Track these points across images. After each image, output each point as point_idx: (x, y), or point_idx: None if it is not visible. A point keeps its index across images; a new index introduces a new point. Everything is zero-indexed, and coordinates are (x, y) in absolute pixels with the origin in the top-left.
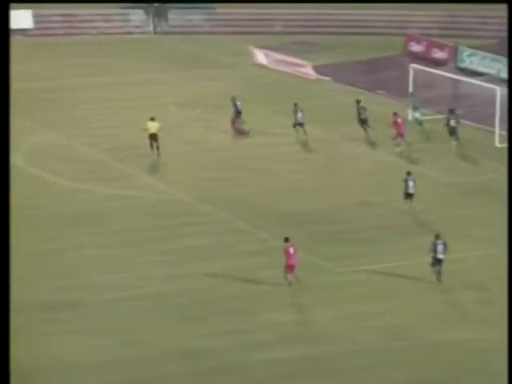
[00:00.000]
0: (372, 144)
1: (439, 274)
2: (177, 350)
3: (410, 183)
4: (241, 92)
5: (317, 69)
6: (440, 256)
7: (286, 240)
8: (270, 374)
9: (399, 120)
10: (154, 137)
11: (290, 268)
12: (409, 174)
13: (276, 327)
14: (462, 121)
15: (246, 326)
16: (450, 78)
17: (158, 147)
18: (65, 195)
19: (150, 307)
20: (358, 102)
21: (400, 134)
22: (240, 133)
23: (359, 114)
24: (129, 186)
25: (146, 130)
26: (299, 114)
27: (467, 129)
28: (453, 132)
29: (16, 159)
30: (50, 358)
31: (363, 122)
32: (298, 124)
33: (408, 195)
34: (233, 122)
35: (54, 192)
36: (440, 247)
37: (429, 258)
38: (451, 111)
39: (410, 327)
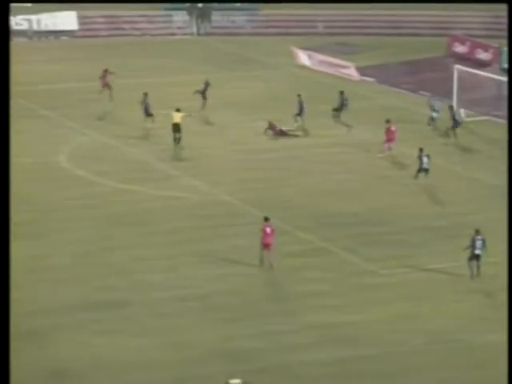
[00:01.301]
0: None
1: (477, 269)
2: (219, 350)
3: (425, 159)
4: (284, 93)
5: (360, 70)
6: (477, 251)
7: (266, 219)
8: (311, 375)
9: (392, 128)
10: (176, 127)
11: (265, 246)
12: (421, 150)
13: (318, 328)
14: (506, 122)
15: (288, 326)
16: (494, 79)
17: (179, 138)
18: (109, 196)
19: (193, 307)
20: (342, 92)
21: (389, 140)
22: (280, 134)
23: (341, 104)
24: (172, 187)
25: (171, 119)
26: (303, 104)
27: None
28: (458, 125)
29: (62, 160)
30: (94, 357)
31: (338, 109)
32: (299, 113)
33: (424, 170)
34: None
35: (98, 193)
36: (478, 243)
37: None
38: (451, 107)
39: (452, 329)
